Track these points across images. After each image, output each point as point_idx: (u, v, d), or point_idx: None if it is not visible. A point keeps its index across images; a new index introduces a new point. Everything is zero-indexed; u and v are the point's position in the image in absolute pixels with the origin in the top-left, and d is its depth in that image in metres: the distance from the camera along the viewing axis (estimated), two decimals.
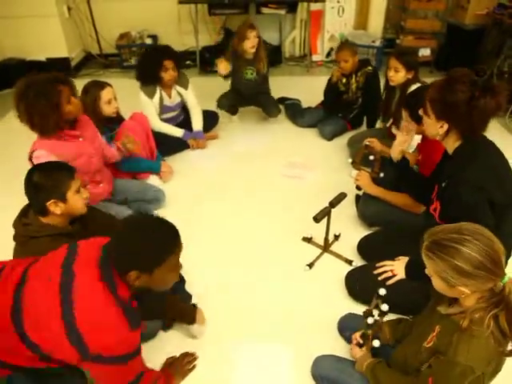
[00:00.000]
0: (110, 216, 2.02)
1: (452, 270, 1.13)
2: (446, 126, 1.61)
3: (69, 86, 2.06)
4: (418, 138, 2.38)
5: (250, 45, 3.20)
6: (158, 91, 3.05)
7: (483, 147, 1.64)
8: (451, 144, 1.67)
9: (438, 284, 1.23)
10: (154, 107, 3.08)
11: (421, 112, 1.69)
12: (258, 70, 3.39)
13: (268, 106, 3.60)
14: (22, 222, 1.62)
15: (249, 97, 3.57)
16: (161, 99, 3.09)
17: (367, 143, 2.61)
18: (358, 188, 2.42)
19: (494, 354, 1.14)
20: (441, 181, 1.72)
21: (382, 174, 2.42)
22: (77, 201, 1.68)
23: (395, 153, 2.09)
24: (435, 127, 1.63)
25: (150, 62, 2.98)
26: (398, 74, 2.66)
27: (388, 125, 2.98)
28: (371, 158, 2.52)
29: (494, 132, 1.76)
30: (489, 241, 1.12)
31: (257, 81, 3.46)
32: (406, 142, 2.10)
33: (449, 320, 1.25)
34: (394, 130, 2.88)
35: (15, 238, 1.67)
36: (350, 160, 2.64)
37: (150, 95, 3.03)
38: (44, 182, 1.61)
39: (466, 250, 1.10)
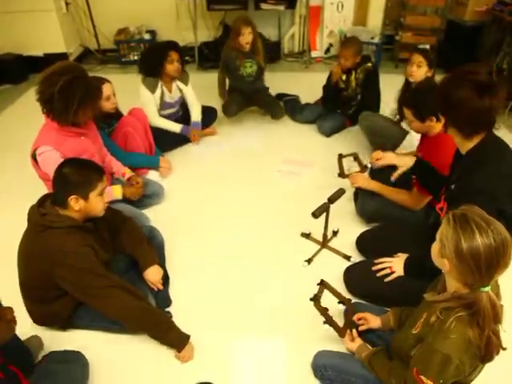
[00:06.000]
0: (114, 210, 1.99)
1: (453, 243, 1.16)
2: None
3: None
4: (417, 136, 2.41)
5: (244, 41, 3.23)
6: (159, 86, 3.03)
7: (497, 152, 1.57)
8: (463, 144, 1.61)
9: (434, 247, 1.26)
10: (155, 103, 3.07)
11: None
12: (257, 63, 3.40)
13: (272, 107, 3.59)
14: (40, 212, 1.62)
15: (249, 95, 3.55)
16: (162, 94, 3.08)
17: (341, 153, 2.67)
18: (359, 189, 2.43)
19: (470, 344, 1.16)
20: (450, 182, 1.68)
21: (369, 165, 2.44)
22: (97, 203, 1.69)
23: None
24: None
25: (156, 53, 2.99)
26: (420, 70, 2.64)
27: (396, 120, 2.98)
28: (352, 159, 2.65)
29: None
30: (501, 249, 1.11)
31: (257, 74, 3.47)
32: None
33: (433, 308, 1.27)
34: (403, 125, 2.87)
35: (30, 227, 1.66)
36: (336, 174, 2.62)
37: (152, 89, 3.01)
38: (72, 175, 1.63)
39: (477, 237, 1.12)
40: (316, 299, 1.73)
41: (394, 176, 2.13)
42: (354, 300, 1.85)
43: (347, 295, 1.97)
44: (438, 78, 2.29)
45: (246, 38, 3.22)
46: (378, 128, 2.83)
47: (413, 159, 2.08)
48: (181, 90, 3.19)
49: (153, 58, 2.99)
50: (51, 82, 1.93)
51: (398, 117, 2.94)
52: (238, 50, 3.31)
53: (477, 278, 1.15)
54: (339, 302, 1.74)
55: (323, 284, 1.78)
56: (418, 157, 2.08)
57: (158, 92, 3.05)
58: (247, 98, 3.58)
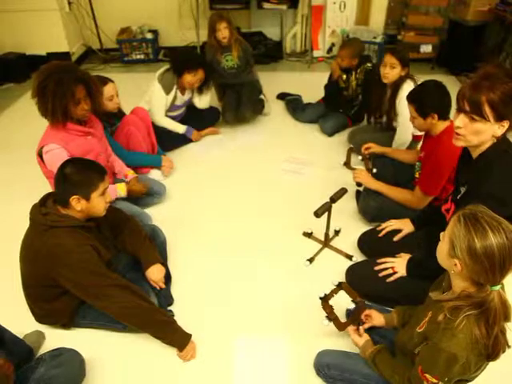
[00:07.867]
0: (116, 209, 1.99)
1: (465, 242, 1.13)
2: (507, 124, 1.45)
3: (87, 87, 2.07)
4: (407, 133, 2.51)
5: (221, 36, 3.31)
6: (174, 89, 3.05)
7: (509, 157, 1.53)
8: (480, 147, 1.54)
9: (441, 248, 1.24)
10: (165, 103, 3.07)
11: (461, 120, 1.47)
12: (236, 56, 3.46)
13: (244, 105, 3.49)
14: (42, 212, 1.61)
15: (239, 91, 3.53)
16: (174, 97, 3.09)
17: (351, 146, 2.73)
18: (359, 185, 2.44)
19: (477, 343, 1.15)
20: (459, 184, 1.65)
21: (374, 170, 2.48)
22: (99, 203, 1.68)
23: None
24: (493, 129, 1.45)
25: (186, 59, 3.02)
26: (393, 71, 2.65)
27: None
28: (359, 158, 2.64)
29: None
30: None
31: (240, 67, 3.51)
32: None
33: (439, 307, 1.26)
34: (395, 124, 2.87)
35: (32, 226, 1.66)
36: (342, 162, 2.67)
37: (167, 91, 3.02)
38: (74, 175, 1.62)
39: (490, 236, 1.10)
40: (325, 299, 1.71)
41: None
42: None
43: None
44: (439, 77, 2.30)
45: (222, 33, 3.29)
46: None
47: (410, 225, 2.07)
48: (192, 92, 3.22)
49: (181, 61, 3.01)
50: (32, 88, 1.98)
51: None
52: (217, 45, 3.39)
53: (489, 277, 1.13)
54: (353, 301, 1.72)
55: (341, 286, 1.74)
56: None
57: (172, 94, 3.05)
58: (239, 97, 3.54)
